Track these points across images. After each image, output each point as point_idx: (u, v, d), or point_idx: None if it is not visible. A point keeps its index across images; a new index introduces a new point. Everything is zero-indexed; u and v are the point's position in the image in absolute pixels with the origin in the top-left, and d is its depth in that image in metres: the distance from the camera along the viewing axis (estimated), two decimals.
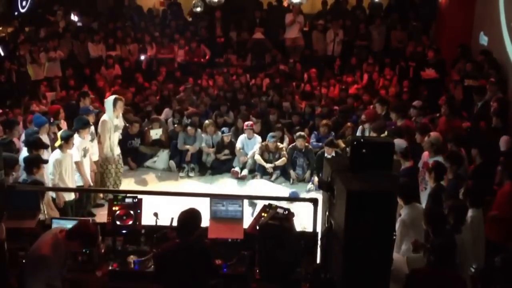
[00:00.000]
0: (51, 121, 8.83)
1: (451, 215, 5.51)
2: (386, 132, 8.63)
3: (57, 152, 7.45)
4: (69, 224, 5.51)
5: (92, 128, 8.75)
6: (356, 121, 10.20)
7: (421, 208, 5.99)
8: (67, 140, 7.44)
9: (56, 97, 11.81)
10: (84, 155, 8.11)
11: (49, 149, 7.95)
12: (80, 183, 8.03)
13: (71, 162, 7.64)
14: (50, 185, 7.35)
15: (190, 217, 4.72)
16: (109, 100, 8.90)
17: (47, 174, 7.42)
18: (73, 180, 7.70)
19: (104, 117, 8.85)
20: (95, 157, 8.75)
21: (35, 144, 7.37)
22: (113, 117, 8.82)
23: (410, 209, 5.87)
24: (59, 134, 7.65)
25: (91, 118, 8.75)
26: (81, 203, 8.17)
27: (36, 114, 9.09)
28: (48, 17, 14.88)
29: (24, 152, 7.45)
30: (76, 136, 7.89)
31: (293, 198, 7.54)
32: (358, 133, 9.66)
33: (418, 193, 6.83)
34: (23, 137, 8.06)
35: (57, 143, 7.50)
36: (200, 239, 4.83)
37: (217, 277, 4.98)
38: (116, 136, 9.00)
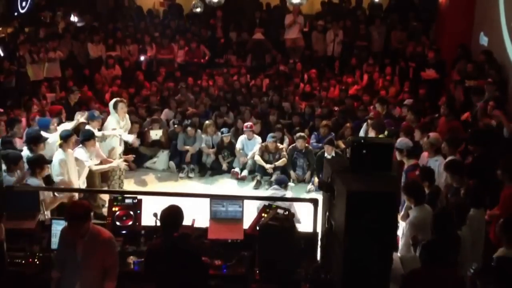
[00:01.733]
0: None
1: (453, 212, 5.52)
2: (386, 132, 8.63)
3: (60, 152, 7.33)
4: None
5: (99, 133, 8.75)
6: (359, 125, 10.18)
7: (429, 210, 5.95)
8: (66, 139, 7.38)
9: (56, 98, 11.78)
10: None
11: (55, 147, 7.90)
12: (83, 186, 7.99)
13: (72, 161, 7.54)
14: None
15: (171, 214, 4.70)
16: (111, 103, 8.92)
17: (54, 176, 7.30)
18: (76, 178, 7.58)
19: (112, 124, 8.86)
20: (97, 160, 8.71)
21: (34, 139, 7.30)
22: (119, 119, 8.78)
23: (419, 211, 5.80)
24: (59, 134, 7.60)
25: (96, 124, 8.75)
26: None
27: (40, 118, 9.08)
28: (42, 17, 14.82)
29: (25, 152, 7.42)
30: (83, 149, 7.88)
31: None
32: (363, 131, 9.67)
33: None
34: (25, 137, 8.02)
35: (57, 143, 7.43)
36: (185, 236, 4.81)
37: (206, 275, 4.97)
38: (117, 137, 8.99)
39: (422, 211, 5.82)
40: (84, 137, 8.02)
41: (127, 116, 9.11)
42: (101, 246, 4.67)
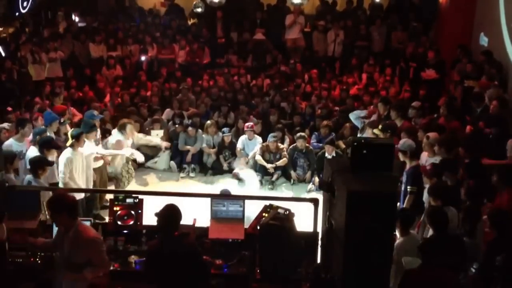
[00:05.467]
0: (61, 120, 8.84)
1: (466, 219, 5.54)
2: (380, 126, 8.59)
3: (69, 150, 7.37)
4: None
5: (98, 133, 8.77)
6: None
7: (455, 212, 5.89)
8: (78, 138, 7.40)
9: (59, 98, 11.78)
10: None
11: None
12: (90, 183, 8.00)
13: (82, 160, 7.56)
14: (60, 183, 7.35)
15: (168, 213, 4.72)
16: (119, 124, 8.98)
17: (58, 173, 7.38)
18: (83, 178, 7.61)
19: (117, 137, 8.85)
20: (98, 164, 8.67)
21: (48, 144, 7.29)
22: (124, 138, 8.83)
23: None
24: (69, 133, 7.62)
25: (96, 123, 8.76)
26: (93, 204, 8.20)
27: (47, 111, 9.10)
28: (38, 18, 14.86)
29: (31, 152, 7.45)
30: (87, 141, 7.89)
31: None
32: (359, 126, 9.69)
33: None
34: (31, 137, 8.03)
35: (69, 142, 7.43)
36: (185, 236, 4.83)
37: (207, 274, 4.99)
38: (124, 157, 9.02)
39: (448, 213, 5.81)
40: (86, 128, 8.02)
41: (135, 133, 9.10)
42: (84, 244, 4.69)
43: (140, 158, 9.00)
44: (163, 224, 4.71)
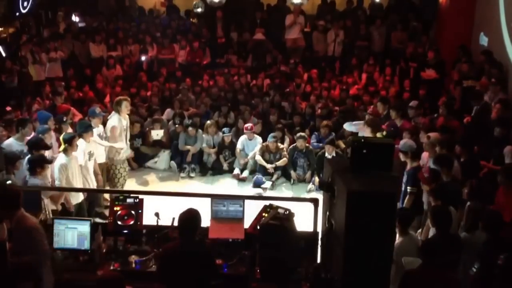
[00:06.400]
0: (64, 119, 8.83)
1: (469, 216, 5.54)
2: (384, 133, 8.62)
3: (62, 156, 7.21)
4: (70, 224, 5.56)
5: (101, 129, 8.74)
6: None
7: (454, 212, 5.91)
8: (70, 142, 7.22)
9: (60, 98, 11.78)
10: (89, 159, 7.95)
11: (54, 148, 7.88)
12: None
13: (78, 164, 7.46)
14: None
15: (190, 217, 4.75)
16: (115, 101, 8.90)
17: (55, 179, 7.27)
18: (81, 183, 7.53)
19: (113, 122, 8.71)
20: (102, 159, 8.65)
21: (36, 145, 7.20)
22: (121, 118, 8.77)
23: None
24: (61, 137, 7.42)
25: (98, 121, 8.73)
26: (95, 203, 8.19)
27: (39, 111, 9.09)
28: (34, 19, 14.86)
29: None
30: (81, 140, 7.78)
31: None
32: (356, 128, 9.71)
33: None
34: (32, 135, 7.98)
35: (61, 147, 7.27)
36: (202, 241, 4.85)
37: (218, 278, 5.01)
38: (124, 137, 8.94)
39: None
40: (82, 128, 7.99)
41: (127, 116, 9.08)
42: (24, 234, 4.76)
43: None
44: (181, 228, 4.75)
